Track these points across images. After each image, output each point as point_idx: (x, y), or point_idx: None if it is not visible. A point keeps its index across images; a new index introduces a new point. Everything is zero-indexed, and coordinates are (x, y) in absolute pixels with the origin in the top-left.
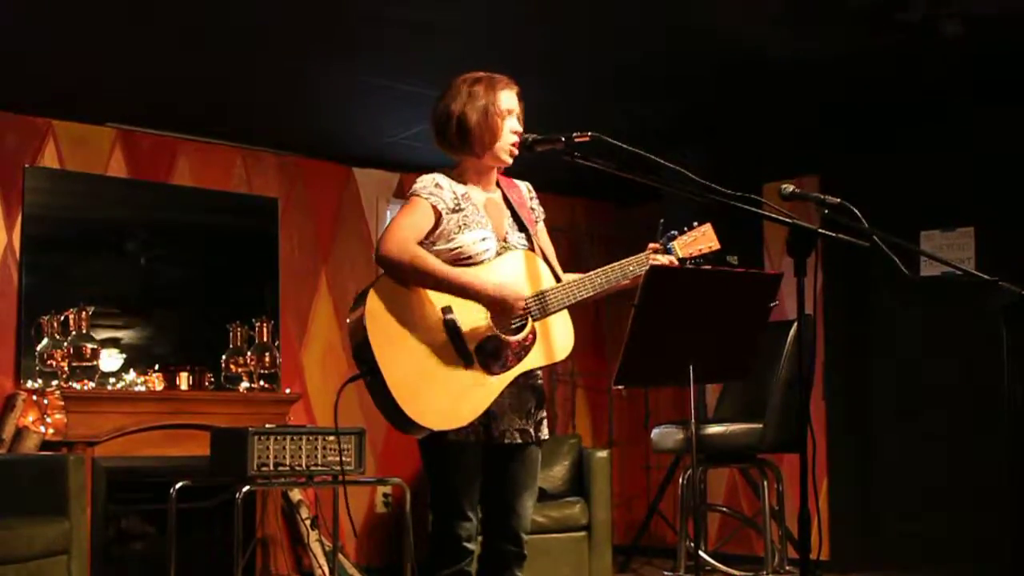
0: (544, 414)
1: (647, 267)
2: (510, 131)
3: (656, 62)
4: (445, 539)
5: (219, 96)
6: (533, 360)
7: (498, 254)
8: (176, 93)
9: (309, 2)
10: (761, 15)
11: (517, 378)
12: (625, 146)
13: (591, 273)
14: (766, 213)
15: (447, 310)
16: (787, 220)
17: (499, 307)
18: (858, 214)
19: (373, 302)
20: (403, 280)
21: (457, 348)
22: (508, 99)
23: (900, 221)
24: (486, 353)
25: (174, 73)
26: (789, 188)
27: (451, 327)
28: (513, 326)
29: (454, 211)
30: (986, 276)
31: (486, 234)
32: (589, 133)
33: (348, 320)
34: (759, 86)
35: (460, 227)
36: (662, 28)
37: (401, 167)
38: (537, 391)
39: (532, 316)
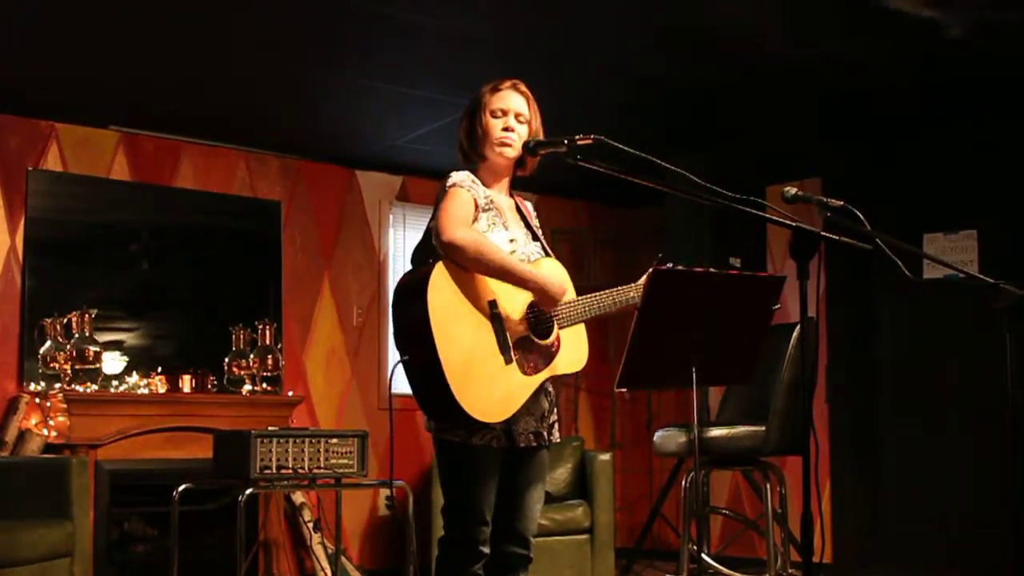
0: (555, 417)
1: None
2: (499, 127)
3: (658, 64)
4: (462, 542)
5: (222, 99)
6: (558, 366)
7: (524, 260)
8: (179, 96)
9: (312, 5)
10: (763, 17)
11: None
12: (628, 149)
13: (603, 292)
14: (769, 216)
15: (493, 304)
16: (790, 223)
17: (550, 300)
18: (861, 217)
19: (436, 283)
20: (465, 263)
21: (500, 343)
22: (504, 99)
23: (903, 224)
24: (521, 352)
25: (177, 76)
26: (792, 191)
27: (497, 320)
28: (542, 331)
29: (484, 209)
30: (989, 279)
31: (512, 236)
32: (592, 136)
33: (400, 299)
34: (762, 88)
35: (489, 226)
36: (663, 30)
37: (404, 170)
38: (549, 395)
39: (559, 323)
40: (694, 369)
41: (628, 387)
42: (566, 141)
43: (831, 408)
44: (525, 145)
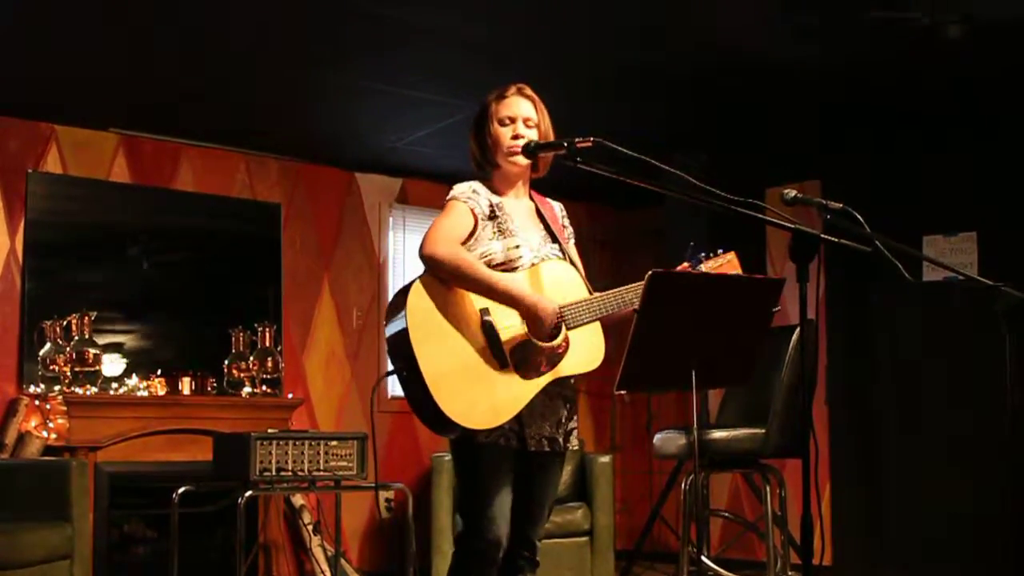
0: (575, 424)
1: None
2: (508, 136)
3: (657, 65)
4: (476, 542)
5: (222, 101)
6: (566, 368)
7: (532, 264)
8: (179, 98)
9: (311, 7)
10: (762, 18)
11: (549, 385)
12: (627, 151)
13: (619, 289)
14: (768, 218)
15: (485, 312)
16: (789, 225)
17: (534, 318)
18: (860, 219)
19: (415, 298)
20: (445, 279)
21: (493, 350)
22: (510, 106)
23: (903, 226)
24: (520, 357)
25: (177, 78)
26: (791, 193)
27: (488, 329)
28: (548, 332)
29: (490, 218)
30: (988, 281)
31: (520, 242)
32: (592, 138)
33: (387, 315)
34: (761, 90)
35: (495, 234)
36: (663, 31)
37: (403, 172)
38: (569, 401)
39: (566, 325)
40: (694, 371)
41: (627, 389)
42: (566, 144)
43: (831, 410)
44: (525, 147)
